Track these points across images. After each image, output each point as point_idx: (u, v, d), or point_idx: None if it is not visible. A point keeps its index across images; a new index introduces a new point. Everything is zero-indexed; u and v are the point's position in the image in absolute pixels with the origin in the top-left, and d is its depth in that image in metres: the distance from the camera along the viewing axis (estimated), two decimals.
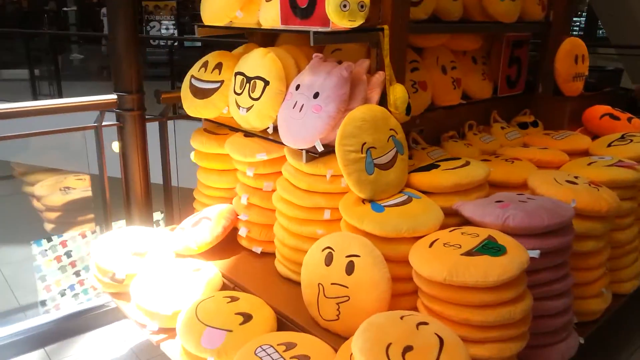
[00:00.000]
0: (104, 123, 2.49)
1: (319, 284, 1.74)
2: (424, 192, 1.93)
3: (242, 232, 2.26)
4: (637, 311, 2.61)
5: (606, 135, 2.70)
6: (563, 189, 1.97)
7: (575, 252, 1.96)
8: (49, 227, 3.12)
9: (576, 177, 2.10)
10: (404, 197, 1.85)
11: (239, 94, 2.18)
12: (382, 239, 1.71)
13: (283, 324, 1.86)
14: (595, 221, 1.96)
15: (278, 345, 1.61)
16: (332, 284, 1.70)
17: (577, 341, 1.86)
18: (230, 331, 1.72)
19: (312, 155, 1.91)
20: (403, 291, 1.71)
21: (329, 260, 1.72)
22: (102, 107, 2.40)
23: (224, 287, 2.11)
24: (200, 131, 2.52)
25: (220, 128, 2.44)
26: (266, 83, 2.06)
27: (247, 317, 1.77)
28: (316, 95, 1.87)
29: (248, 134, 2.22)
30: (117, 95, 2.48)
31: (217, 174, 2.44)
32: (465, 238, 1.61)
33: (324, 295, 1.72)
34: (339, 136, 1.77)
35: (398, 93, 1.91)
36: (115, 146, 4.24)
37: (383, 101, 1.94)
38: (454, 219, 1.91)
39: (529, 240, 1.68)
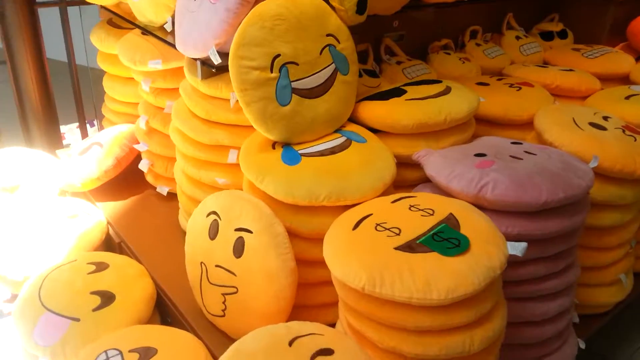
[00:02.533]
0: None
1: (201, 262, 1.20)
2: (376, 132, 1.32)
3: (143, 165, 1.70)
4: None
5: None
6: (584, 136, 1.34)
7: (590, 226, 1.38)
8: None
9: (606, 118, 1.46)
10: (340, 140, 1.24)
11: None
12: (289, 207, 1.13)
13: (165, 306, 1.36)
14: (625, 186, 1.35)
15: (130, 351, 1.10)
16: (216, 266, 1.16)
17: (574, 348, 1.33)
18: (77, 320, 1.22)
19: (209, 69, 1.29)
20: (324, 279, 1.16)
21: (213, 231, 1.16)
22: None
23: (109, 243, 1.60)
24: (102, 24, 1.89)
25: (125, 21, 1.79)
26: None
27: (106, 299, 1.27)
28: None
29: (146, 31, 1.58)
30: None
31: (122, 82, 1.85)
32: (412, 217, 1.03)
33: (208, 280, 1.19)
34: (234, 43, 1.13)
35: None
36: None
37: None
38: (416, 172, 1.32)
39: (515, 221, 1.10)
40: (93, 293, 1.27)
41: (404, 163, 1.31)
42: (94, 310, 1.24)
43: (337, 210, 1.12)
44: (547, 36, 2.23)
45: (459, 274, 0.89)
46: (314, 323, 1.01)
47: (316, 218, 1.13)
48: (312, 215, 1.13)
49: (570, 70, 1.84)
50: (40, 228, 1.49)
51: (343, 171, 1.13)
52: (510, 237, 1.06)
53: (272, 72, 1.15)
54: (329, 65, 1.24)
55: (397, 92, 1.39)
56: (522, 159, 1.18)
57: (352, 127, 1.31)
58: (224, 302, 1.16)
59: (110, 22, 1.87)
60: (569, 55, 2.04)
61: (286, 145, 1.22)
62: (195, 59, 1.29)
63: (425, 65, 1.79)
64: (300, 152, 1.18)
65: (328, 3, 1.26)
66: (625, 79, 1.95)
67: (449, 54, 1.91)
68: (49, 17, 2.09)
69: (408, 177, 1.34)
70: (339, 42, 1.26)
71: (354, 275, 0.93)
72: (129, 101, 1.85)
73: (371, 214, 1.06)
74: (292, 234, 1.14)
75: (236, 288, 1.12)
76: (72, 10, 2.11)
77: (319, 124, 1.24)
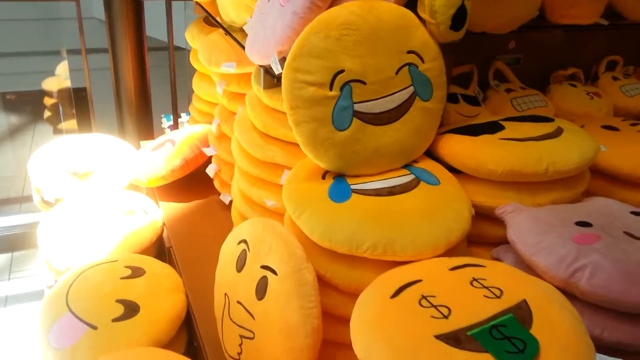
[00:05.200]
0: None
1: (225, 294, 1.06)
2: (458, 172, 1.09)
3: (210, 169, 1.61)
4: None
5: None
6: None
7: None
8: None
9: None
10: (406, 179, 1.03)
11: None
12: (327, 251, 0.95)
13: (190, 326, 1.24)
14: None
15: None
16: (237, 302, 1.01)
17: None
18: (94, 328, 1.13)
19: (272, 79, 1.15)
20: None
21: (241, 262, 1.02)
22: None
23: (159, 246, 1.53)
24: (199, 21, 1.84)
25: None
26: None
27: (130, 310, 1.17)
28: None
29: (227, 31, 1.48)
30: None
31: (209, 81, 1.78)
32: (471, 295, 0.79)
33: (229, 315, 1.04)
34: (291, 52, 0.97)
35: None
36: None
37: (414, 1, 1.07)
38: (501, 228, 1.07)
39: (615, 324, 0.82)
40: (118, 301, 1.19)
41: (485, 215, 1.07)
42: (114, 320, 1.15)
43: (384, 265, 0.92)
44: None
45: None
46: None
47: (356, 270, 0.93)
48: (352, 266, 0.94)
49: None
50: (94, 220, 1.45)
51: (398, 218, 0.93)
52: (604, 345, 0.79)
53: (331, 89, 0.97)
54: (405, 88, 1.04)
55: (493, 128, 1.15)
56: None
57: (426, 164, 1.09)
58: (240, 345, 1.01)
59: (206, 20, 1.82)
60: None
61: (339, 176, 1.03)
62: (260, 66, 1.16)
63: (541, 97, 1.50)
64: (352, 187, 1.00)
65: (417, 14, 1.05)
66: None
67: (574, 86, 1.59)
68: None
69: (489, 233, 1.09)
70: (422, 62, 1.05)
71: (376, 358, 0.72)
72: (214, 101, 1.78)
73: (420, 280, 0.84)
74: (326, 284, 0.95)
75: (253, 333, 0.97)
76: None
77: (383, 157, 1.03)
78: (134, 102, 2.06)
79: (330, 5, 1.01)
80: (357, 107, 0.99)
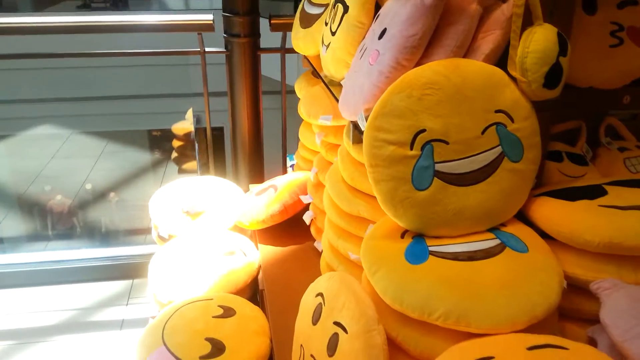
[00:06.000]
0: (209, 49, 2.11)
1: (301, 345, 1.08)
2: (552, 239, 1.02)
3: (307, 217, 1.66)
4: None
5: None
6: None
7: None
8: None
9: None
10: (490, 243, 0.98)
11: (326, 25, 1.51)
12: (401, 314, 0.93)
13: None
14: None
15: None
16: (311, 355, 1.02)
17: None
18: None
19: (359, 134, 1.17)
20: None
21: (316, 315, 1.03)
22: (196, 29, 2.01)
23: (254, 287, 1.60)
24: (307, 73, 1.94)
25: None
26: (345, 9, 1.34)
27: (216, 350, 1.24)
28: (382, 34, 1.10)
29: (326, 85, 1.55)
30: (222, 16, 2.04)
31: (312, 130, 1.85)
32: None
33: None
34: (373, 112, 0.99)
35: (536, 42, 0.97)
36: None
37: (505, 57, 1.04)
38: (593, 303, 0.97)
39: None
40: (207, 339, 1.26)
41: (581, 288, 0.98)
42: (201, 357, 1.22)
43: (458, 335, 0.88)
44: None
45: None
46: None
47: (429, 338, 0.90)
48: (425, 332, 0.91)
49: None
50: (198, 259, 1.56)
51: (475, 286, 0.89)
52: None
53: (411, 149, 0.97)
54: (492, 148, 1.00)
55: (593, 192, 1.06)
56: None
57: (516, 228, 1.03)
58: None
59: (313, 72, 1.91)
60: None
61: (418, 236, 1.02)
62: (351, 122, 1.20)
63: None
64: (430, 248, 0.97)
65: (507, 73, 1.02)
66: None
67: None
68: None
69: (585, 309, 0.99)
70: (512, 121, 1.01)
71: None
72: (317, 150, 1.85)
73: (492, 358, 0.79)
74: (396, 347, 0.93)
75: None
76: None
77: (465, 219, 1.00)
78: (247, 146, 2.21)
79: (417, 65, 1.02)
80: (438, 167, 0.98)
